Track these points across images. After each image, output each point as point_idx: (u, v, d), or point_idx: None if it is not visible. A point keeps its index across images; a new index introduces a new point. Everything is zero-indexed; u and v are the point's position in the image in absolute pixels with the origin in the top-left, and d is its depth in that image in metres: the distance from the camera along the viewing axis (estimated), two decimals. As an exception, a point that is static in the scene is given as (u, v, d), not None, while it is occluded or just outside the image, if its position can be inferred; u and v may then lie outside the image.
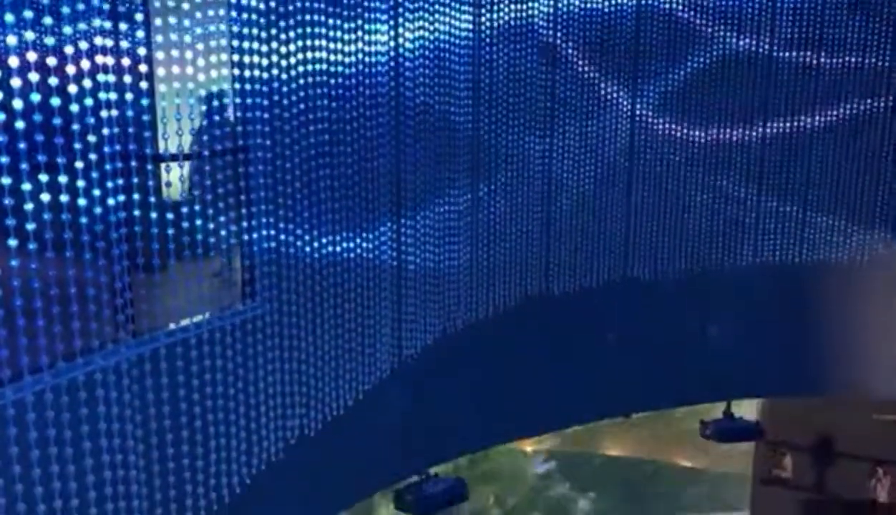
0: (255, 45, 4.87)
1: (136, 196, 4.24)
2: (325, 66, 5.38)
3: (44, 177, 3.67)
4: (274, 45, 4.98)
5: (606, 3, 7.93)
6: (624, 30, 8.07)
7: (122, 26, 4.12)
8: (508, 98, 7.43)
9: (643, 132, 8.49)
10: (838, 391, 10.28)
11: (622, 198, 8.54)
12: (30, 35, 3.58)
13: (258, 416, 5.17)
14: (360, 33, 5.65)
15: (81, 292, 3.93)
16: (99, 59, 3.89)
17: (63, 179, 3.77)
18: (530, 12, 7.42)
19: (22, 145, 3.58)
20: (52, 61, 3.66)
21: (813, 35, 8.59)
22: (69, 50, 3.76)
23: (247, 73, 4.86)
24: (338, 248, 5.76)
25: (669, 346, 8.99)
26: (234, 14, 4.71)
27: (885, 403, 12.45)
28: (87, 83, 3.84)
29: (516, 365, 8.18)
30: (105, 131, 4.01)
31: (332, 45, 5.43)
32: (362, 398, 6.26)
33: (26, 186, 3.62)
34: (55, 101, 3.67)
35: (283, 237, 5.26)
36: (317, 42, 5.30)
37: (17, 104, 3.53)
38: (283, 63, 5.07)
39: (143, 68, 4.21)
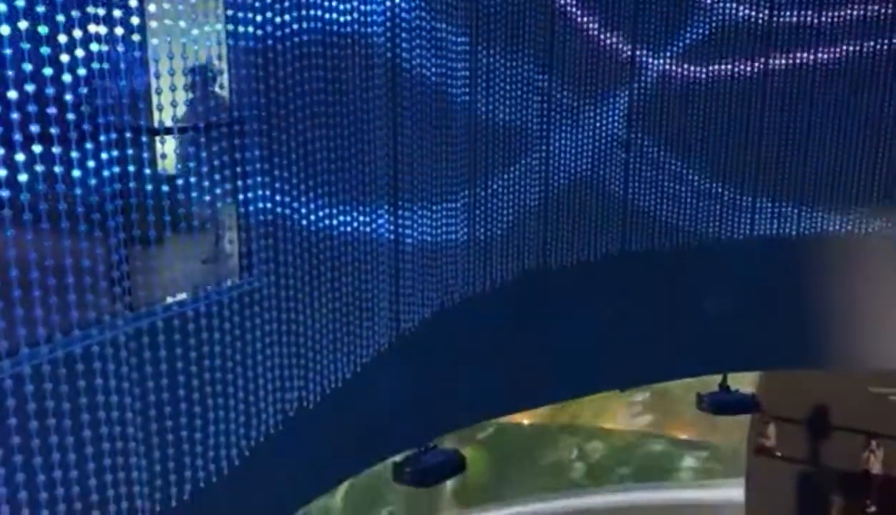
0: (250, 15, 4.82)
1: (131, 168, 4.21)
2: (319, 36, 5.32)
3: (37, 148, 3.64)
4: (269, 14, 4.92)
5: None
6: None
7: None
8: (506, 70, 7.37)
9: (641, 107, 8.44)
10: (835, 364, 10.34)
11: (620, 172, 8.51)
12: (20, 2, 3.53)
13: (256, 389, 5.17)
14: (355, 3, 5.58)
15: (77, 265, 3.91)
16: (91, 28, 3.84)
17: (57, 150, 3.74)
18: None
19: (15, 115, 3.55)
20: (43, 30, 3.61)
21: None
22: (61, 18, 3.71)
23: (241, 43, 4.81)
24: (335, 221, 5.74)
25: (667, 320, 9.01)
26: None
27: (880, 376, 12.55)
28: (80, 52, 3.79)
29: (513, 339, 8.19)
30: (98, 102, 3.97)
31: (326, 15, 5.36)
32: (360, 371, 6.27)
33: (20, 157, 3.59)
34: (48, 71, 3.63)
35: (279, 210, 5.24)
36: (311, 11, 5.24)
37: (10, 73, 3.49)
38: (278, 33, 5.01)
39: (136, 37, 4.16)
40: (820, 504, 13.14)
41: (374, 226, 6.18)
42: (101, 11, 3.88)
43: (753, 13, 8.60)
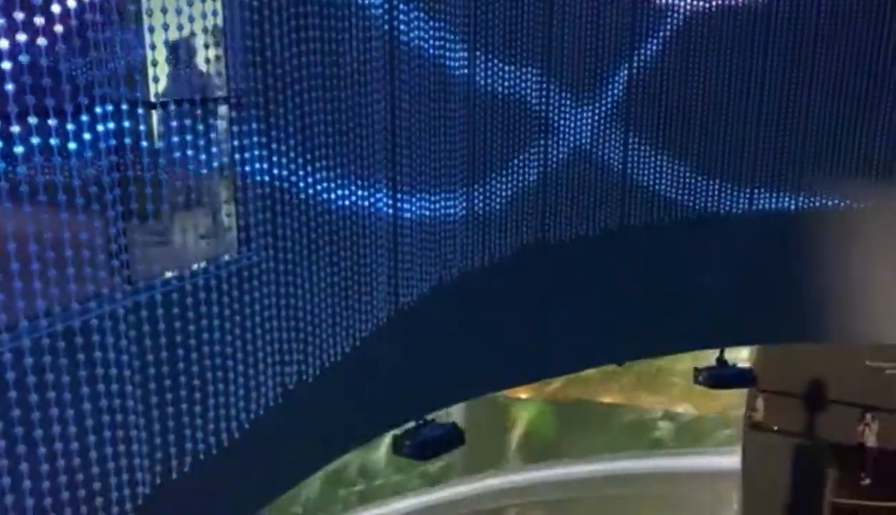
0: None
1: (127, 140, 4.18)
2: (317, 8, 5.27)
3: (33, 120, 3.61)
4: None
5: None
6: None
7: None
8: (505, 44, 7.31)
9: (641, 80, 8.38)
10: (832, 339, 10.37)
11: (619, 146, 8.47)
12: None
13: (256, 362, 5.19)
14: (353, -26, 5.52)
15: (75, 238, 3.90)
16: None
17: (52, 122, 3.71)
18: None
19: (9, 87, 3.52)
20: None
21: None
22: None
23: (238, 15, 4.76)
24: (333, 196, 5.72)
25: (665, 294, 9.02)
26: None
27: (877, 350, 12.61)
28: (75, 23, 3.75)
29: (512, 313, 8.21)
30: (94, 74, 3.93)
31: (324, -13, 5.31)
32: (359, 345, 6.29)
33: (15, 129, 3.56)
34: (42, 42, 3.59)
35: (278, 184, 5.22)
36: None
37: (3, 44, 3.46)
38: (275, 4, 4.96)
39: (132, 8, 4.12)
40: (815, 477, 13.26)
41: (372, 200, 6.16)
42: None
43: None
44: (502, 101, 7.50)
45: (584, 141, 8.25)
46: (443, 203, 7.07)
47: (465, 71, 7.04)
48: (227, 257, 5.04)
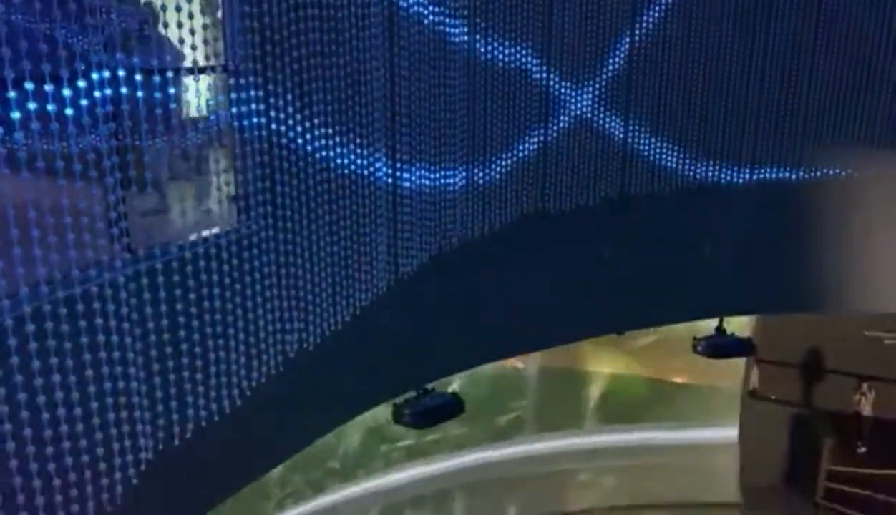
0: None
1: (125, 107, 4.15)
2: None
3: (29, 85, 3.59)
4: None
5: None
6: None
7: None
8: (505, 8, 7.23)
9: (641, 50, 8.31)
10: (832, 308, 10.41)
11: (620, 114, 8.42)
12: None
13: (257, 330, 5.20)
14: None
15: (74, 205, 3.89)
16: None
17: (49, 88, 3.68)
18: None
19: (5, 52, 3.49)
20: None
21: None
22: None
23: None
24: (332, 164, 5.70)
25: (665, 264, 9.03)
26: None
27: (876, 320, 12.66)
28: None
29: (511, 282, 8.22)
30: (92, 39, 3.89)
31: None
32: (359, 314, 6.30)
33: (12, 94, 3.54)
34: (37, 5, 3.55)
35: (277, 152, 5.19)
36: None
37: (-1, 8, 3.42)
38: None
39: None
40: (812, 445, 13.38)
41: (372, 168, 6.14)
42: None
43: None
44: (503, 70, 7.44)
45: (584, 110, 8.21)
46: (442, 172, 7.05)
47: (466, 39, 6.98)
48: (226, 226, 5.03)
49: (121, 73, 4.11)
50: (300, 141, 5.34)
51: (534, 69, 7.73)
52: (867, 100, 9.04)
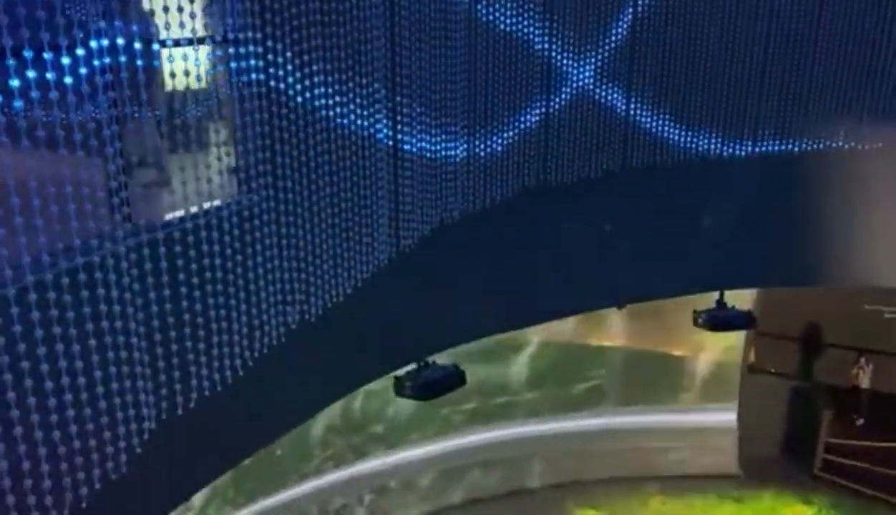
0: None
1: (123, 75, 4.13)
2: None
3: (28, 53, 3.56)
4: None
5: None
6: None
7: None
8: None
9: (644, 20, 8.23)
10: (832, 282, 10.41)
11: (622, 86, 8.37)
12: None
13: (259, 302, 5.21)
14: None
15: (74, 174, 3.88)
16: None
17: (47, 56, 3.66)
18: None
19: (3, 19, 3.45)
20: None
21: None
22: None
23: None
24: (332, 135, 5.67)
25: (666, 237, 9.02)
26: None
27: (876, 293, 12.68)
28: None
29: (513, 255, 8.22)
30: (90, 7, 3.86)
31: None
32: (361, 286, 6.31)
33: (10, 62, 3.51)
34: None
35: (277, 123, 5.17)
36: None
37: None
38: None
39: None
40: (811, 418, 13.47)
41: (372, 140, 6.11)
42: None
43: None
44: (504, 40, 7.38)
45: (586, 81, 8.15)
46: (444, 144, 7.02)
47: (467, 6, 6.91)
48: (227, 197, 5.02)
49: (119, 41, 4.07)
50: (300, 111, 5.31)
51: (535, 40, 7.66)
52: (872, 72, 8.97)
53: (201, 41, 4.66)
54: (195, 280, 4.66)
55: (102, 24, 3.97)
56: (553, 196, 8.33)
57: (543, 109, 7.94)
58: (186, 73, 4.60)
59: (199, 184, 4.80)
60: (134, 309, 4.27)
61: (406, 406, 11.46)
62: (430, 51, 6.53)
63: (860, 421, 13.44)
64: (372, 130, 6.08)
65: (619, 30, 8.15)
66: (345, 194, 5.93)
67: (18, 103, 3.60)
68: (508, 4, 7.29)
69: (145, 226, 4.36)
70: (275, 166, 5.21)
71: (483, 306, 8.13)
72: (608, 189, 8.58)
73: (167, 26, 4.33)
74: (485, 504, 13.71)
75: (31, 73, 3.61)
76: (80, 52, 3.84)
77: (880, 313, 13.24)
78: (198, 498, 10.58)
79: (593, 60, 8.11)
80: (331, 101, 5.58)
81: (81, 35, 3.84)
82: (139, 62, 4.24)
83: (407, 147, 6.58)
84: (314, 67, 5.36)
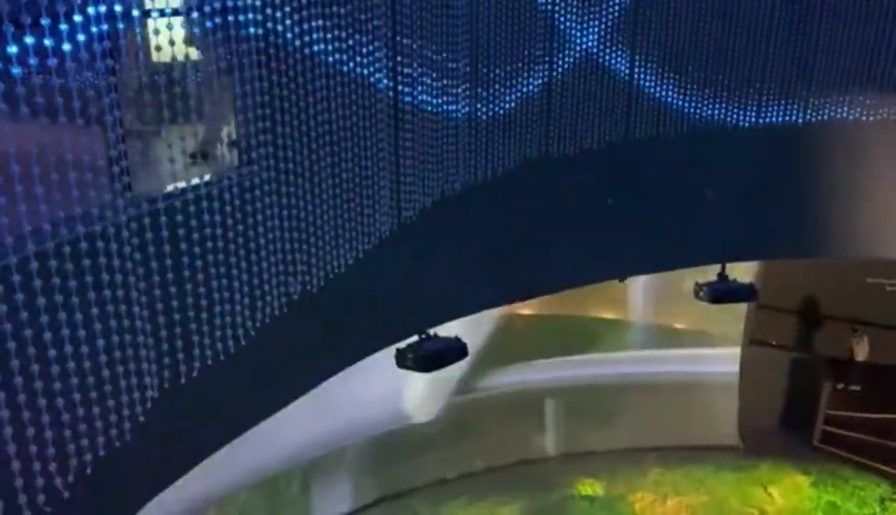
0: None
1: (122, 42, 4.09)
2: None
3: (26, 19, 3.52)
4: None
5: None
6: None
7: None
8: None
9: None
10: (835, 254, 10.40)
11: (626, 56, 8.29)
12: None
13: (260, 272, 5.22)
14: None
15: (74, 143, 3.86)
16: None
17: (45, 22, 3.62)
18: None
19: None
20: None
21: None
22: None
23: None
24: (333, 104, 5.64)
25: (669, 209, 9.00)
26: None
27: (879, 267, 12.67)
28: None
29: (514, 227, 8.20)
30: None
31: None
32: (362, 258, 6.31)
33: (8, 28, 3.48)
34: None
35: (277, 91, 5.13)
36: None
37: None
38: None
39: None
40: (811, 390, 13.53)
41: (373, 110, 6.08)
42: None
43: None
44: (506, 4, 7.29)
45: (590, 50, 8.06)
46: (445, 115, 6.97)
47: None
48: (227, 167, 5.01)
49: (118, 8, 4.03)
50: (301, 79, 5.28)
51: (539, 9, 7.58)
52: (880, 40, 8.87)
53: (200, 9, 4.62)
54: (196, 249, 4.66)
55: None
56: (555, 167, 8.29)
57: (546, 74, 7.87)
58: (184, 41, 4.56)
59: (200, 154, 4.78)
60: (135, 278, 4.27)
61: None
62: (431, 11, 6.46)
63: (855, 387, 13.45)
64: (373, 100, 6.03)
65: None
66: (346, 164, 5.91)
67: (17, 70, 3.57)
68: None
69: (146, 196, 4.35)
70: (275, 135, 5.19)
71: (484, 278, 8.13)
72: (610, 160, 8.53)
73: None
74: (488, 473, 13.86)
75: (28, 40, 3.57)
76: (77, 18, 3.80)
77: (882, 286, 13.24)
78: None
79: (597, 23, 8.01)
80: (331, 70, 5.54)
81: (79, 1, 3.80)
82: (137, 29, 4.21)
83: (408, 117, 6.54)
84: (315, 36, 5.31)
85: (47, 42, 3.67)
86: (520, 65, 7.60)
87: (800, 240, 9.86)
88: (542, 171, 8.21)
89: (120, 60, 4.21)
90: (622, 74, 8.30)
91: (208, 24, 4.66)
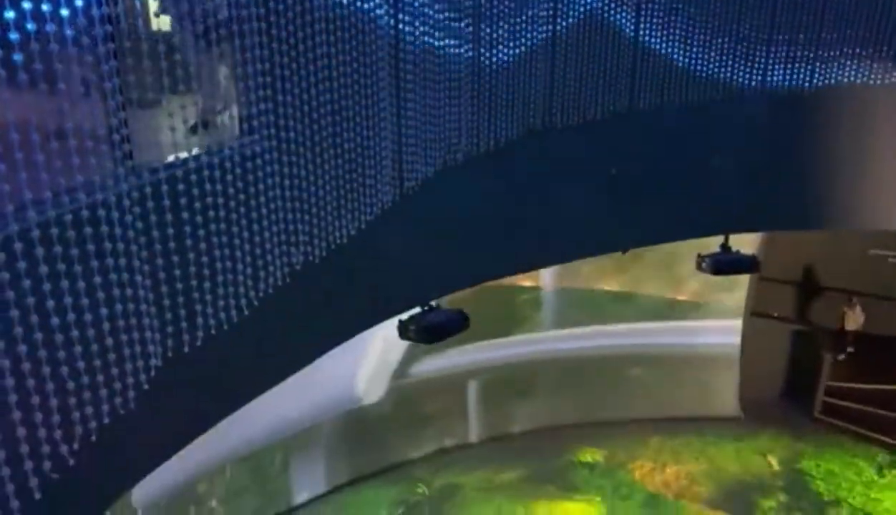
0: None
1: (120, 7, 4.04)
2: None
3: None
4: None
5: None
6: None
7: None
8: None
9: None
10: (837, 225, 10.36)
11: (630, 24, 8.18)
12: None
13: (263, 242, 5.20)
14: None
15: (73, 109, 3.83)
16: None
17: (43, -13, 3.57)
18: None
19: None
20: None
21: None
22: None
23: None
24: (335, 72, 5.58)
25: (672, 180, 8.95)
26: None
27: (881, 238, 12.64)
28: None
29: (517, 198, 8.18)
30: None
31: None
32: (364, 228, 6.29)
33: (5, -7, 3.43)
34: None
35: (278, 58, 5.08)
36: None
37: None
38: None
39: None
40: (811, 362, 13.58)
41: (375, 78, 6.02)
42: None
43: None
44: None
45: (594, 14, 7.95)
46: (447, 84, 6.91)
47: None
48: (229, 137, 4.97)
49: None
50: (301, 46, 5.21)
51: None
52: (889, 6, 8.75)
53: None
54: (198, 218, 4.64)
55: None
56: (558, 138, 8.23)
57: (549, 47, 7.77)
58: (186, 8, 4.50)
59: (201, 125, 4.74)
60: (137, 247, 4.26)
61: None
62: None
63: (850, 351, 13.47)
64: (374, 67, 5.97)
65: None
66: (348, 134, 5.86)
67: (14, 36, 3.52)
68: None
69: (147, 166, 4.32)
70: (276, 104, 5.14)
71: (487, 250, 8.11)
72: (614, 130, 8.47)
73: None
74: (488, 443, 14.01)
75: (27, 5, 3.52)
76: (75, -18, 3.74)
77: (884, 258, 13.22)
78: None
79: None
80: (332, 38, 5.47)
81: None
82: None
83: (410, 85, 6.48)
84: (315, 2, 5.24)
85: (45, 7, 3.61)
86: (522, 38, 7.49)
87: (804, 212, 9.81)
88: (545, 142, 8.15)
89: (119, 27, 4.15)
90: (627, 33, 8.16)
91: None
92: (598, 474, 13.38)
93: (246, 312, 5.10)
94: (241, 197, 4.95)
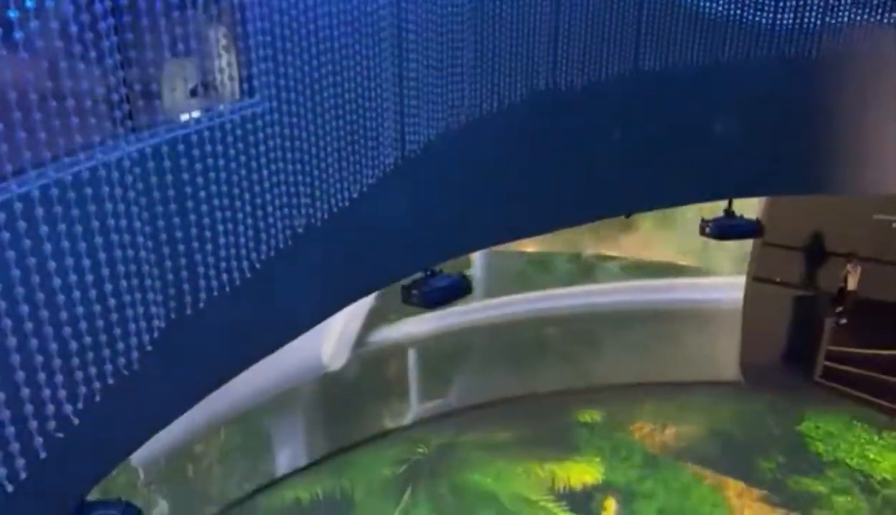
0: None
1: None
2: None
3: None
4: None
5: None
6: None
7: None
8: None
9: None
10: (841, 189, 10.30)
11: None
12: None
13: (264, 204, 5.18)
14: None
15: (72, 73, 3.78)
16: None
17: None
18: None
19: None
20: None
21: None
22: None
23: None
24: (336, 32, 5.51)
25: (675, 144, 8.88)
26: None
27: (886, 203, 12.58)
28: None
29: (520, 162, 8.11)
30: None
31: None
32: (366, 191, 6.26)
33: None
34: None
35: (278, 17, 5.01)
36: None
37: None
38: None
39: None
40: (813, 327, 13.61)
41: (377, 38, 5.94)
42: None
43: None
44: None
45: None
46: (450, 43, 6.81)
47: None
48: (230, 101, 4.92)
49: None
50: (301, 5, 5.14)
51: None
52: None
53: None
54: (199, 180, 4.62)
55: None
56: (561, 101, 8.14)
57: (553, 8, 7.64)
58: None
59: (201, 89, 4.69)
60: (139, 209, 4.24)
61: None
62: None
63: (844, 320, 13.48)
64: (376, 27, 5.89)
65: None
66: (349, 95, 5.81)
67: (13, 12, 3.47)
68: None
69: (147, 128, 4.28)
70: (277, 64, 5.08)
71: (490, 214, 8.07)
72: (618, 93, 8.37)
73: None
74: (490, 407, 14.14)
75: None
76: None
77: (888, 223, 13.17)
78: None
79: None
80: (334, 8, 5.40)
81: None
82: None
83: (412, 46, 6.40)
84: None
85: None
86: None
87: (808, 176, 9.74)
88: (549, 104, 8.06)
89: None
90: (630, 4, 8.04)
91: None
92: (597, 435, 13.52)
93: (248, 275, 5.10)
94: (242, 159, 4.92)
